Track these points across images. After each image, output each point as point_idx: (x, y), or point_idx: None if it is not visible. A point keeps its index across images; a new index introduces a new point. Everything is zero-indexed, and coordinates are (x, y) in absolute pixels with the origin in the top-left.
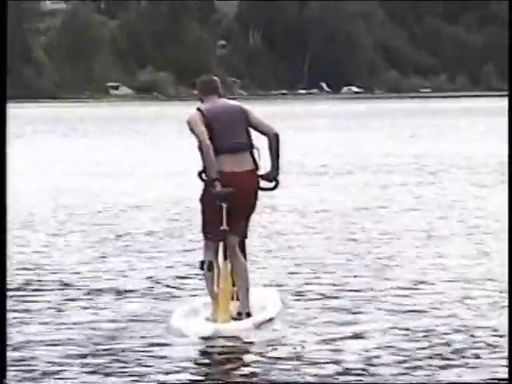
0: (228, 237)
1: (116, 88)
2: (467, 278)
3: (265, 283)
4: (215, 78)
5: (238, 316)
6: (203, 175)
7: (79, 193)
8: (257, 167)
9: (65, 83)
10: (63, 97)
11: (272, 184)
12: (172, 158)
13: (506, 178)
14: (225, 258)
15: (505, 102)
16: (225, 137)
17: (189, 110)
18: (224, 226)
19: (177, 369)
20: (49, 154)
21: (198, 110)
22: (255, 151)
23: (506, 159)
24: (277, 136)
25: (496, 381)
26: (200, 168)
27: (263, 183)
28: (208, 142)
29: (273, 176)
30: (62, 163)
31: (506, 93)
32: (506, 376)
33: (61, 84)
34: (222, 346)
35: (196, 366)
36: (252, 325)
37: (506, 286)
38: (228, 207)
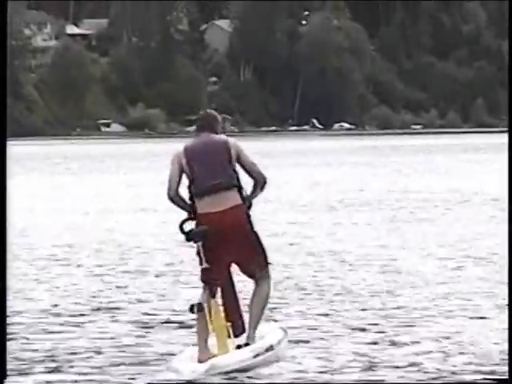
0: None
1: (107, 125)
2: None
3: None
4: (211, 112)
5: (237, 349)
6: (184, 226)
7: (65, 230)
8: (243, 201)
9: (56, 120)
10: (54, 134)
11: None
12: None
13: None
14: (213, 296)
15: (494, 138)
16: (202, 179)
17: (180, 146)
18: (204, 265)
19: None
20: (38, 192)
21: (185, 147)
22: (240, 189)
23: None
24: (265, 183)
25: (496, 381)
26: (183, 218)
27: None
28: (171, 191)
29: (248, 200)
30: (51, 201)
31: (496, 129)
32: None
33: (52, 121)
34: (220, 377)
35: None
36: (250, 353)
37: None
38: (205, 244)
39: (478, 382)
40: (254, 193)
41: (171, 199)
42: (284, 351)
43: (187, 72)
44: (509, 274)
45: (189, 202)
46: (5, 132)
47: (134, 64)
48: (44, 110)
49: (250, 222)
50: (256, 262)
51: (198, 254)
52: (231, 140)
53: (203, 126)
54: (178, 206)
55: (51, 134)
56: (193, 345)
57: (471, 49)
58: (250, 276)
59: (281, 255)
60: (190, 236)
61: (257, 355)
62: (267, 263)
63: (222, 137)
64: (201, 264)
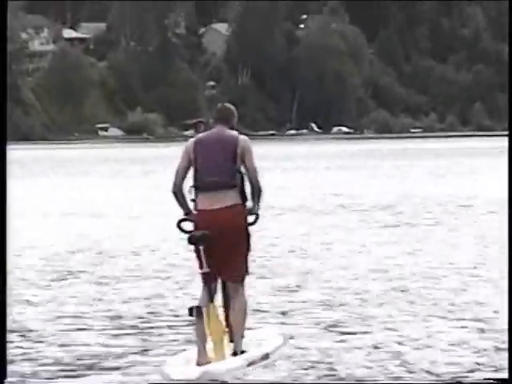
0: (220, 278)
1: (105, 129)
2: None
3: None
4: (228, 106)
5: (233, 356)
6: (182, 225)
7: (61, 235)
8: (243, 203)
9: (53, 124)
10: (52, 138)
11: (252, 218)
12: (163, 198)
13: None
14: (210, 300)
15: (493, 142)
16: (203, 174)
17: (178, 150)
18: (205, 269)
19: None
20: (35, 196)
21: (195, 139)
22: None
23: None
24: (260, 191)
25: (496, 381)
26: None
27: None
28: (175, 186)
29: (254, 211)
30: (48, 205)
31: (495, 133)
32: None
33: (49, 125)
34: None
35: None
36: (243, 362)
37: None
38: (206, 249)
39: (478, 381)
40: (255, 202)
41: (174, 194)
42: (279, 356)
43: (185, 76)
44: (509, 275)
45: (190, 198)
46: (5, 137)
47: (131, 68)
48: (41, 114)
49: (246, 226)
50: (239, 268)
51: (198, 257)
52: (242, 138)
53: (219, 119)
54: (178, 202)
55: (49, 138)
56: (184, 350)
57: (470, 52)
58: (228, 280)
59: (278, 260)
60: (192, 240)
61: (251, 364)
62: (247, 272)
63: (234, 133)
64: (201, 268)
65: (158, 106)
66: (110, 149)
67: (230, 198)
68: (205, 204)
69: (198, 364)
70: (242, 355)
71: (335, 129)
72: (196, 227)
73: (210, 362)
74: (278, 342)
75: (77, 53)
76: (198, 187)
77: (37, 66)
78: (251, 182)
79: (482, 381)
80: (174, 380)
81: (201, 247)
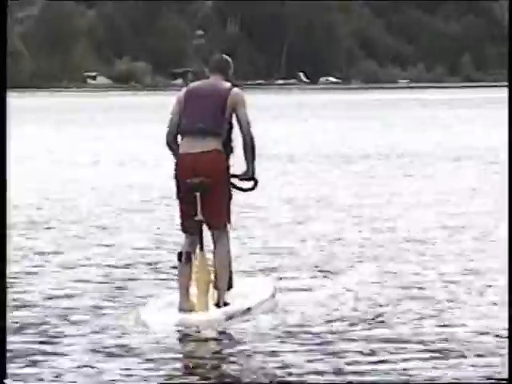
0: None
1: (93, 77)
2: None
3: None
4: (224, 57)
5: (216, 307)
6: None
7: (48, 182)
8: (226, 151)
9: (42, 72)
10: (40, 86)
11: (250, 184)
12: (149, 145)
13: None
14: (200, 248)
15: (481, 93)
16: (189, 119)
17: (166, 99)
18: (199, 216)
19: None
20: (23, 143)
21: (188, 87)
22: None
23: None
24: (252, 146)
25: (496, 381)
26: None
27: (242, 183)
28: (169, 135)
29: (250, 176)
30: (37, 152)
31: (483, 84)
32: (505, 376)
33: (38, 73)
34: (181, 338)
35: (148, 358)
36: (222, 315)
37: None
38: (201, 196)
39: (478, 381)
40: (248, 162)
41: (167, 143)
42: (263, 310)
43: (173, 25)
44: (509, 273)
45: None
46: (5, 87)
47: (120, 17)
48: (30, 62)
49: (226, 173)
50: (220, 214)
51: (193, 204)
52: (235, 90)
53: (215, 69)
54: (172, 152)
55: (37, 85)
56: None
57: (459, 3)
58: (209, 227)
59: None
60: (190, 187)
61: (230, 317)
62: (229, 219)
63: (227, 84)
64: (195, 215)
65: (146, 54)
66: (99, 97)
67: (210, 144)
68: (185, 148)
69: (180, 309)
70: (223, 308)
71: (323, 79)
72: (175, 170)
73: (192, 309)
74: (264, 296)
75: (66, 1)
76: (182, 132)
77: (27, 14)
78: (243, 136)
79: (482, 381)
80: (148, 326)
81: (197, 194)
